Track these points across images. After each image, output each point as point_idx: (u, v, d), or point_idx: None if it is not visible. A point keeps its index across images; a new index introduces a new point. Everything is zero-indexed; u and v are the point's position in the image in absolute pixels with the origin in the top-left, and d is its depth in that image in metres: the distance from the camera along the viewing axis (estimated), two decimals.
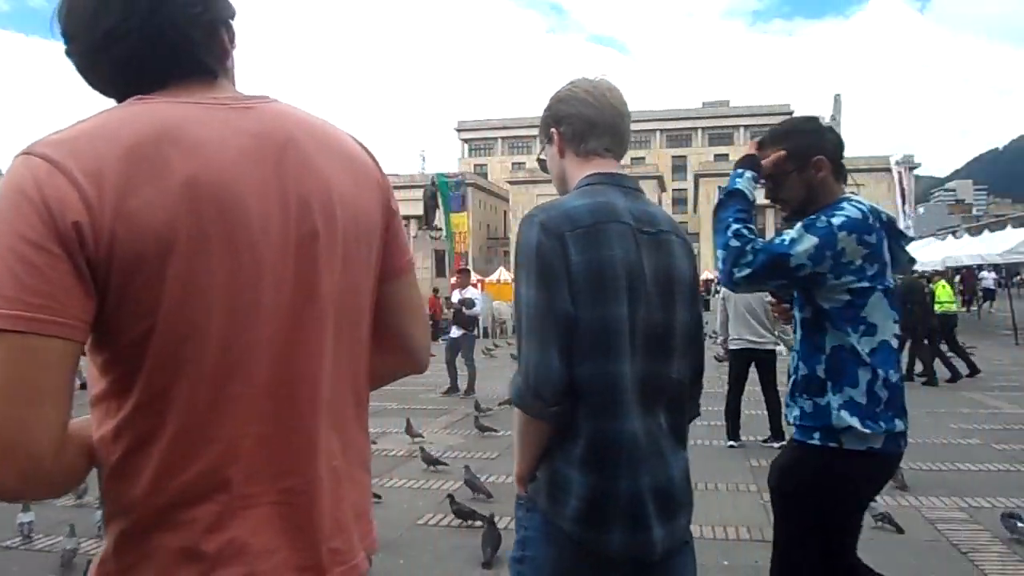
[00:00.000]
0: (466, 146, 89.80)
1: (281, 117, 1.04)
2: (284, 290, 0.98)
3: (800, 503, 2.12)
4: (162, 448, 0.93)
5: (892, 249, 2.10)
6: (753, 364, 6.99)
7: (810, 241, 1.96)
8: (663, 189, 75.32)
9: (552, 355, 1.50)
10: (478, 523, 4.46)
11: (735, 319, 6.98)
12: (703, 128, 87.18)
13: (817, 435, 2.05)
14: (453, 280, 11.37)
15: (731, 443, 6.86)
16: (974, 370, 11.25)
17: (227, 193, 0.93)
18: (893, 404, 2.04)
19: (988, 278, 27.58)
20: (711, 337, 10.29)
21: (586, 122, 1.70)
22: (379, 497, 5.04)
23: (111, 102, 1.02)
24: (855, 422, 1.99)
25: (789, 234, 2.02)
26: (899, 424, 2.06)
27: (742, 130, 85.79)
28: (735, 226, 2.05)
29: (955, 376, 10.91)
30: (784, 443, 6.51)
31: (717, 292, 7.69)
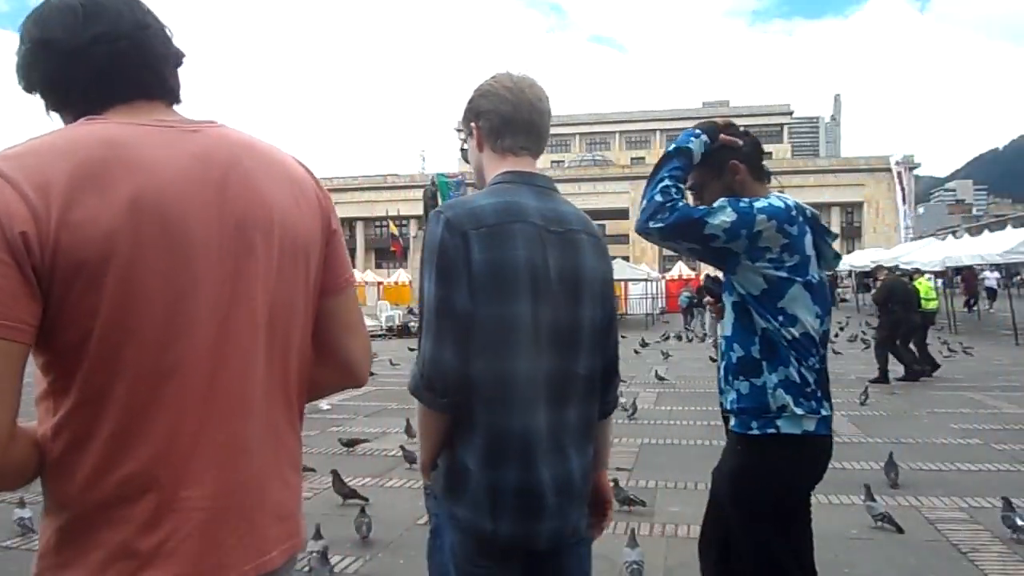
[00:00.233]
0: None
1: (226, 140, 1.13)
2: (220, 302, 1.06)
3: (756, 506, 2.15)
4: (99, 446, 0.99)
5: (818, 245, 2.16)
6: None
7: (729, 215, 2.02)
8: None
9: (446, 349, 1.55)
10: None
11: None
12: None
13: (755, 424, 2.08)
14: None
15: None
16: (933, 368, 11.39)
17: (169, 210, 1.01)
18: (821, 388, 2.10)
19: (991, 278, 27.50)
20: (700, 338, 10.25)
21: (503, 119, 1.72)
22: (365, 499, 5.03)
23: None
24: (789, 400, 2.04)
25: (716, 205, 2.08)
26: (827, 408, 2.12)
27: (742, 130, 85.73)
28: (667, 182, 2.09)
29: (918, 374, 11.02)
30: None
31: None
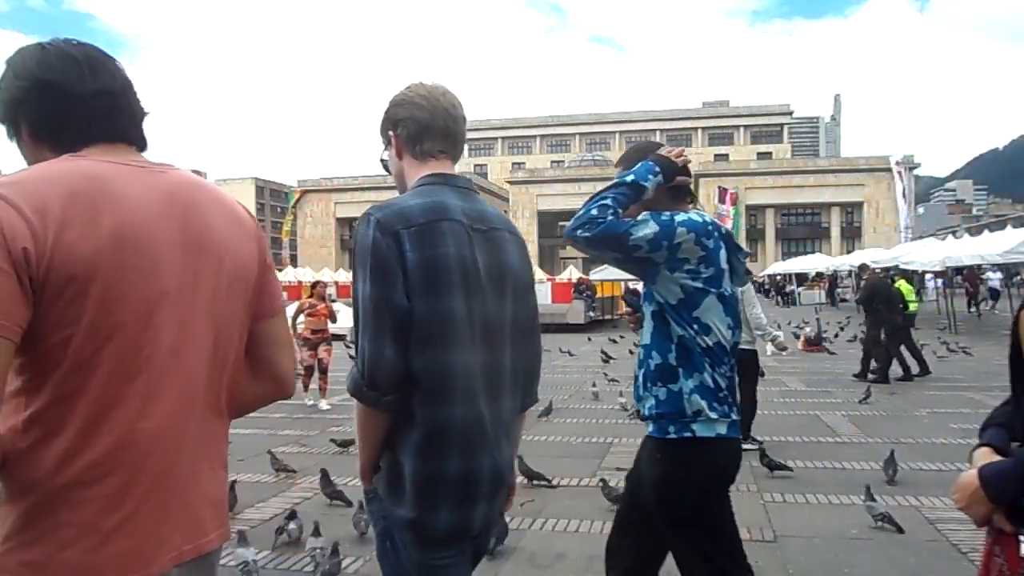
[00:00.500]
0: (466, 146, 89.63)
1: (185, 183, 1.35)
2: (180, 315, 1.25)
3: (680, 511, 2.23)
4: (68, 437, 1.14)
5: (731, 261, 2.29)
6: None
7: (651, 228, 2.14)
8: None
9: (386, 346, 1.60)
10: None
11: None
12: (703, 128, 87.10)
13: (672, 428, 2.18)
14: None
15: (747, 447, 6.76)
16: (924, 371, 11.34)
17: (143, 238, 1.21)
18: (732, 394, 2.23)
19: (994, 278, 27.40)
20: None
21: (420, 125, 1.79)
22: (349, 503, 4.97)
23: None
24: (704, 405, 2.15)
25: (639, 219, 2.21)
26: (736, 412, 2.24)
27: (742, 130, 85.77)
28: (608, 201, 2.19)
29: (886, 374, 10.96)
30: (750, 445, 6.55)
31: None
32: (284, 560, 4.17)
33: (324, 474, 5.21)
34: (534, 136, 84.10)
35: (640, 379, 2.29)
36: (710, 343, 2.17)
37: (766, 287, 45.75)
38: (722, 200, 63.76)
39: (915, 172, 66.65)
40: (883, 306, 11.03)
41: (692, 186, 2.40)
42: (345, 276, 38.32)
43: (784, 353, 6.96)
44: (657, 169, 2.26)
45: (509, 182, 69.13)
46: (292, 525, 4.28)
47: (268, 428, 8.08)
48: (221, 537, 1.34)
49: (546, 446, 6.78)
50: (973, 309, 25.47)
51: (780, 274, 42.96)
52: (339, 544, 3.90)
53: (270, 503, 5.26)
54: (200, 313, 1.29)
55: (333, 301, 10.05)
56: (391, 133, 1.83)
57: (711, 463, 2.21)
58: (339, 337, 11.65)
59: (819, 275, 37.88)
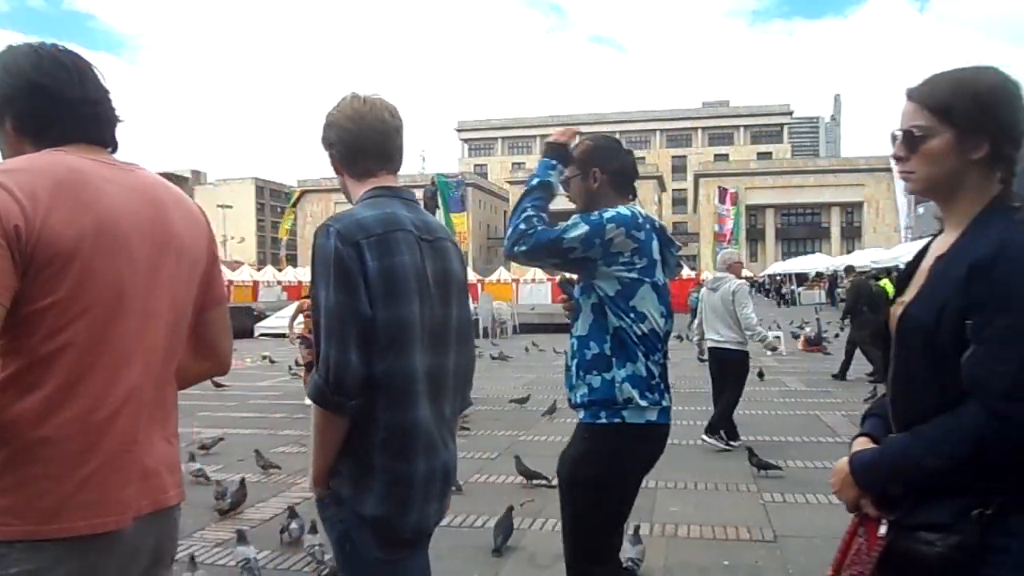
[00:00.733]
0: (466, 146, 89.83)
1: (149, 181, 1.51)
2: (146, 300, 1.41)
3: (588, 486, 2.34)
4: (43, 397, 1.28)
5: (664, 253, 2.41)
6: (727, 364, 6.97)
7: (582, 229, 2.24)
8: (663, 189, 75.45)
9: (351, 353, 1.66)
10: None
11: (705, 319, 7.11)
12: (703, 128, 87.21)
13: (604, 414, 2.29)
14: None
15: (711, 442, 6.75)
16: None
17: (117, 227, 1.37)
18: (663, 381, 2.35)
19: None
20: (688, 338, 10.18)
21: (349, 148, 1.86)
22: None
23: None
24: (635, 394, 2.26)
25: (569, 222, 2.32)
26: (667, 399, 2.36)
27: (742, 130, 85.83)
28: (529, 211, 2.31)
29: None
30: (727, 445, 6.54)
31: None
32: (284, 559, 4.17)
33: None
34: (534, 136, 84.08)
35: (573, 369, 2.40)
36: (645, 330, 2.29)
37: (766, 287, 45.77)
38: (722, 200, 63.65)
39: None
40: (867, 307, 11.21)
41: (629, 177, 2.54)
42: None
43: (772, 354, 6.93)
44: (553, 161, 2.40)
45: (509, 182, 69.12)
46: (294, 524, 4.29)
47: (268, 428, 8.08)
48: (178, 496, 1.50)
49: (546, 446, 6.78)
50: None
51: (780, 274, 42.96)
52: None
53: (270, 503, 5.26)
54: (162, 299, 1.45)
55: None
56: (328, 152, 1.91)
57: (637, 449, 2.32)
58: None
59: (819, 275, 37.91)
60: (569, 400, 2.45)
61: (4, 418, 1.27)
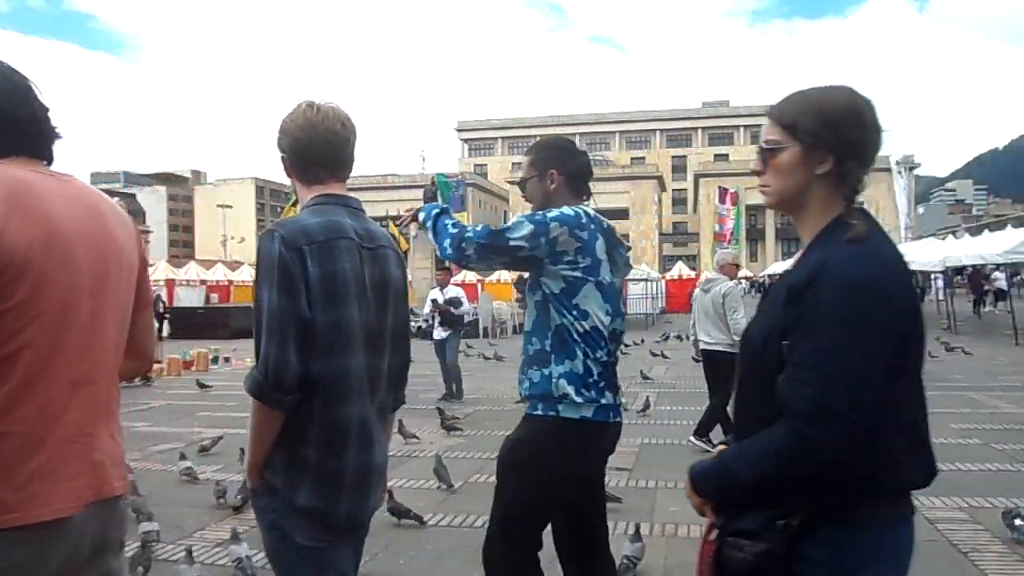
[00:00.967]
0: (466, 146, 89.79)
1: (87, 191, 1.61)
2: (92, 305, 1.51)
3: (519, 472, 2.42)
4: (3, 395, 1.38)
5: (611, 253, 2.45)
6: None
7: (527, 228, 2.31)
8: (663, 189, 75.34)
9: (290, 352, 1.75)
10: (411, 522, 4.65)
11: (697, 320, 7.13)
12: (703, 128, 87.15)
13: (541, 406, 2.37)
14: (437, 278, 11.28)
15: (696, 441, 6.68)
16: None
17: (65, 236, 1.46)
18: (604, 379, 2.38)
19: (1000, 278, 27.17)
20: (687, 338, 10.12)
21: (300, 156, 1.95)
22: None
23: None
24: (571, 390, 2.32)
25: (513, 222, 2.40)
26: (608, 397, 2.39)
27: (742, 130, 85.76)
28: (453, 227, 2.40)
29: None
30: (711, 446, 6.52)
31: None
32: None
33: None
34: (534, 136, 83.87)
35: (521, 362, 2.50)
36: (587, 328, 2.34)
37: (767, 287, 45.79)
38: (722, 200, 63.61)
39: (915, 172, 66.64)
40: None
41: (584, 178, 2.61)
42: None
43: None
44: (429, 207, 2.54)
45: (509, 182, 69.03)
46: None
47: None
48: (123, 487, 1.59)
49: None
50: (987, 308, 25.29)
51: (779, 275, 42.95)
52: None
53: None
54: (107, 304, 1.55)
55: None
56: (281, 156, 2.00)
57: (570, 443, 2.35)
58: None
59: None
60: (520, 392, 2.55)
61: None
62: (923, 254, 20.86)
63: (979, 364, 12.85)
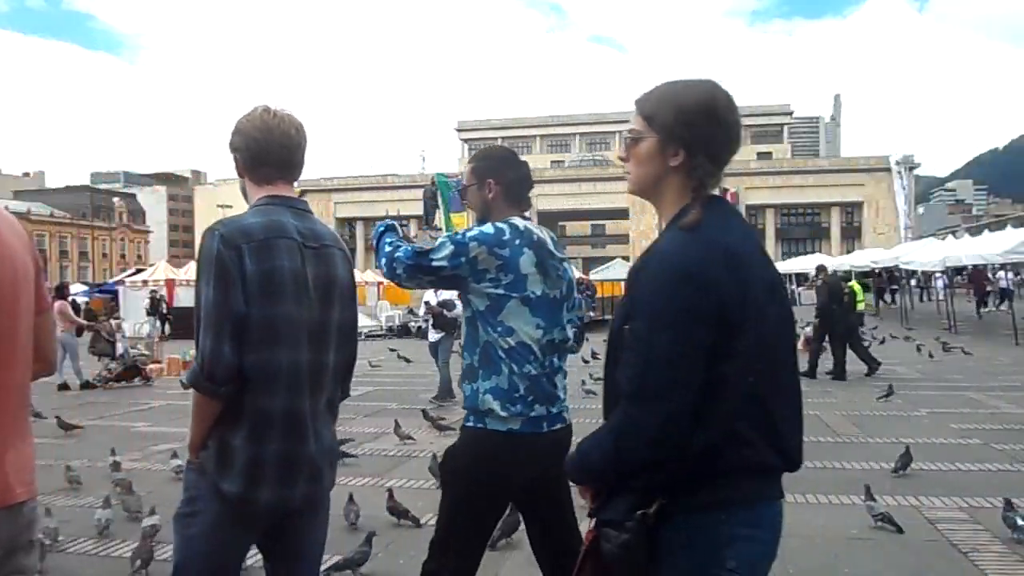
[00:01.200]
0: (466, 146, 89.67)
1: None
2: (8, 317, 1.57)
3: (455, 480, 2.48)
4: None
5: (544, 266, 2.43)
6: None
7: (448, 248, 2.36)
8: None
9: (225, 345, 1.85)
10: (410, 522, 4.67)
11: None
12: None
13: (472, 418, 2.44)
14: None
15: None
16: (873, 367, 11.67)
17: None
18: (533, 392, 2.39)
19: (1004, 278, 27.06)
20: None
21: (254, 156, 2.05)
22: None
23: None
24: (496, 405, 2.35)
25: (437, 243, 2.47)
26: (538, 409, 2.40)
27: (742, 130, 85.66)
28: (388, 247, 2.47)
29: (872, 369, 11.53)
30: None
31: None
32: None
33: None
34: (534, 136, 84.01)
35: (460, 377, 2.57)
36: (512, 343, 2.37)
37: None
38: None
39: (915, 172, 66.59)
40: (837, 306, 11.58)
41: (522, 188, 2.64)
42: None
43: None
44: (380, 226, 2.60)
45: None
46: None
47: None
48: (26, 494, 1.62)
49: None
50: (988, 308, 25.23)
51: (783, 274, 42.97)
52: (373, 534, 4.05)
53: None
54: (19, 314, 1.60)
55: None
56: (234, 155, 2.09)
57: (497, 455, 2.39)
58: None
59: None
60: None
61: None
62: (923, 254, 20.86)
63: (979, 364, 12.84)
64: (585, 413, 8.76)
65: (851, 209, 66.33)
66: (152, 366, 13.52)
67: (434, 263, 2.36)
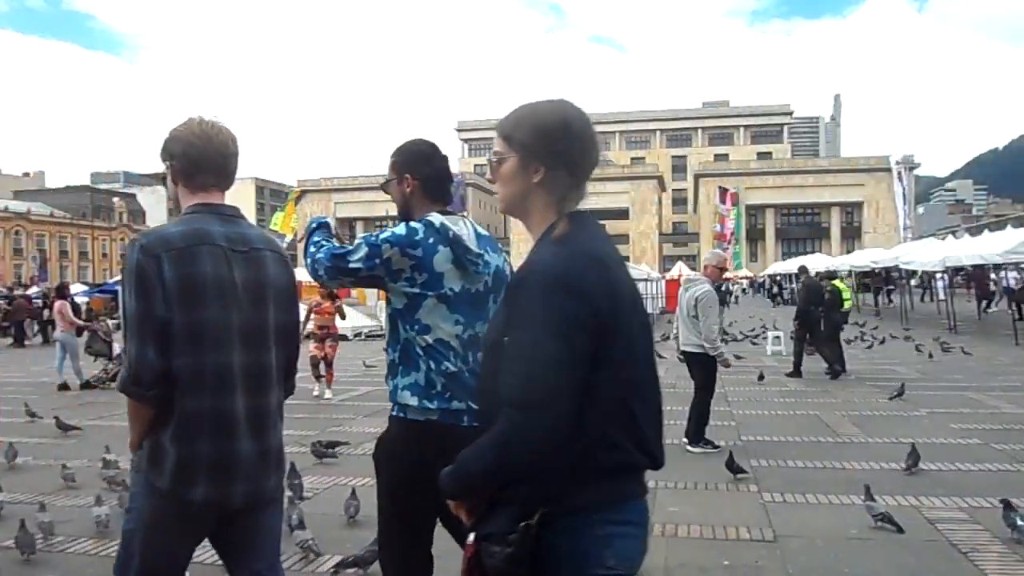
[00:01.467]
0: (466, 146, 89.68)
1: None
2: None
3: (382, 469, 2.52)
4: None
5: (462, 262, 2.43)
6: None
7: (363, 250, 2.38)
8: (663, 189, 75.26)
9: (148, 350, 1.93)
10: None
11: (679, 317, 7.16)
12: (703, 128, 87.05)
13: (395, 408, 2.48)
14: None
15: (694, 449, 6.69)
16: (841, 369, 11.55)
17: None
18: (450, 389, 2.39)
19: (1009, 277, 26.90)
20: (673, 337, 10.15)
21: (192, 162, 2.11)
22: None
23: None
24: (414, 401, 2.39)
25: (353, 245, 2.48)
26: (456, 404, 2.40)
27: (742, 130, 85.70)
28: (312, 247, 2.50)
29: (834, 372, 11.44)
30: (713, 447, 6.56)
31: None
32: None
33: (292, 466, 5.21)
34: None
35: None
36: (430, 341, 2.38)
37: (767, 287, 45.80)
38: (722, 200, 63.54)
39: (915, 172, 66.62)
40: (815, 307, 11.66)
41: (442, 183, 2.64)
42: None
43: (726, 368, 7.04)
44: (313, 219, 2.64)
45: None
46: (294, 519, 4.37)
47: None
48: None
49: None
50: (994, 309, 25.16)
51: (780, 274, 42.96)
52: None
53: None
54: None
55: (335, 298, 10.52)
56: (168, 163, 2.13)
57: (419, 442, 2.39)
58: (344, 337, 11.66)
59: (818, 275, 37.81)
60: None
61: None
62: (923, 254, 20.85)
63: (979, 364, 12.83)
64: None
65: (851, 209, 66.33)
66: None
67: (351, 265, 2.38)
